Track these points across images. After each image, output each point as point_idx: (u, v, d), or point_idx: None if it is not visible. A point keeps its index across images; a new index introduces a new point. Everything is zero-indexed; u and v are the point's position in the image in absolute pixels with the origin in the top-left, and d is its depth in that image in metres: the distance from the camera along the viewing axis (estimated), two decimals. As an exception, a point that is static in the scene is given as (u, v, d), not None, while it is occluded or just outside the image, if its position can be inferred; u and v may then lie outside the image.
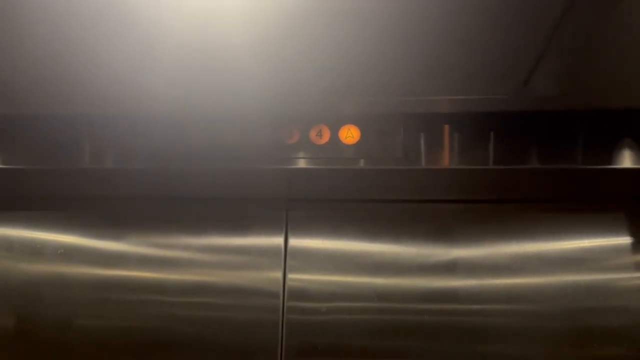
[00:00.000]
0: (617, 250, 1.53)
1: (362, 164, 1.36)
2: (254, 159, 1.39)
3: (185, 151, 1.41)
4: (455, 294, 1.52)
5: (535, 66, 1.09)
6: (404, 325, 1.51)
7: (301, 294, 1.56)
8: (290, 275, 1.57)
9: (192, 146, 1.41)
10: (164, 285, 1.60)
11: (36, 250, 1.66)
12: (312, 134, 1.37)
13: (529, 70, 1.11)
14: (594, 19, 0.95)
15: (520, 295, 1.51)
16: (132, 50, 1.11)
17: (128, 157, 1.43)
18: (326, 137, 1.36)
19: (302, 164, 1.37)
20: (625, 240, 1.53)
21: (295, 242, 1.60)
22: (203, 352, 1.55)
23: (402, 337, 1.51)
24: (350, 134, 1.35)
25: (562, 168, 1.33)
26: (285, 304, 1.55)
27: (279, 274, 1.57)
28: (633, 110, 1.31)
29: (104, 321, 1.59)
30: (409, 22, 1.02)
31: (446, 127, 1.34)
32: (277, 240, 1.60)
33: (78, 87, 1.24)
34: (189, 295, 1.58)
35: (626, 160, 1.32)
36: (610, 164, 1.33)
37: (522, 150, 1.34)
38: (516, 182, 1.45)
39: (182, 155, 1.41)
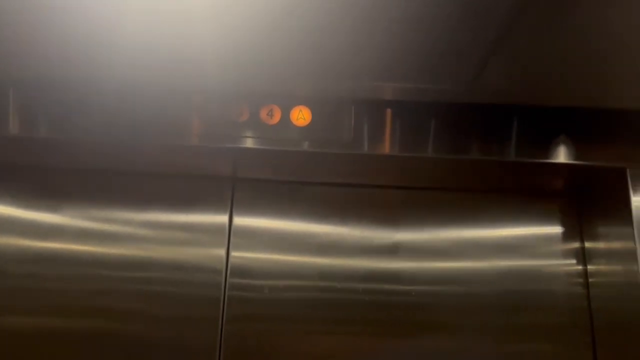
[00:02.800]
0: (548, 238, 1.61)
1: (311, 146, 1.35)
2: (201, 136, 1.36)
3: (130, 124, 1.36)
4: (396, 276, 1.56)
5: (487, 59, 1.11)
6: (345, 304, 1.54)
7: (244, 271, 1.55)
8: (233, 253, 1.56)
9: (137, 119, 1.36)
10: (104, 259, 1.55)
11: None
12: (263, 114, 1.35)
13: (479, 66, 1.13)
14: (546, 21, 0.97)
15: (458, 278, 1.57)
16: (76, 14, 1.04)
17: (65, 126, 1.36)
18: (277, 117, 1.34)
19: (250, 143, 1.35)
20: (556, 229, 1.62)
21: (240, 220, 1.59)
22: (143, 327, 1.51)
23: (343, 317, 1.53)
24: (301, 116, 1.34)
25: (501, 160, 1.38)
26: (227, 280, 1.54)
27: (222, 251, 1.56)
28: (571, 109, 1.38)
29: (36, 295, 1.52)
30: (365, 7, 1.01)
31: (396, 115, 1.36)
32: (222, 218, 1.58)
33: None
34: (129, 270, 1.55)
35: (560, 156, 1.38)
36: (545, 158, 1.39)
37: (465, 141, 1.38)
38: (458, 172, 1.49)
39: (127, 128, 1.36)
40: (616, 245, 1.45)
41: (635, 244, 1.33)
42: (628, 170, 1.37)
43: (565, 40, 1.04)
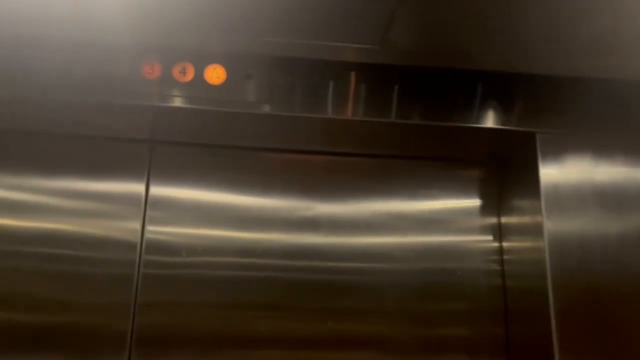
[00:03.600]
0: (467, 212, 1.63)
1: (226, 106, 1.33)
2: (111, 92, 1.31)
3: (35, 79, 1.29)
4: (317, 251, 1.53)
5: (390, 20, 1.12)
6: (265, 283, 1.50)
7: (160, 247, 1.49)
8: (149, 227, 1.50)
9: (43, 74, 1.30)
10: (9, 232, 1.45)
11: None
12: (175, 71, 1.32)
13: (386, 25, 1.14)
14: None
15: (378, 254, 1.56)
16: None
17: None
18: (190, 75, 1.32)
19: (163, 100, 1.32)
20: (475, 202, 1.64)
21: (157, 190, 1.53)
22: (48, 308, 1.43)
23: (262, 297, 1.49)
24: (215, 74, 1.32)
25: (420, 124, 1.40)
26: (142, 257, 1.48)
27: (137, 225, 1.49)
28: (494, 73, 1.41)
29: None
30: None
31: (310, 74, 1.35)
32: (138, 187, 1.52)
33: None
34: (32, 245, 1.45)
35: (474, 119, 1.41)
36: (467, 122, 1.40)
37: (381, 104, 1.38)
38: (378, 135, 1.48)
39: (31, 84, 1.29)
40: (526, 220, 1.47)
41: (542, 218, 1.36)
42: (537, 135, 1.40)
43: None
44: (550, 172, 1.38)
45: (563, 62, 1.36)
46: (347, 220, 1.57)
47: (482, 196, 1.65)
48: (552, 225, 1.35)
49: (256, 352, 1.47)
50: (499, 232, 1.61)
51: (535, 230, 1.39)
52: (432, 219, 1.61)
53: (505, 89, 1.43)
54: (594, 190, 1.38)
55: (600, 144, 1.41)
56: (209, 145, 1.55)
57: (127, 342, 1.42)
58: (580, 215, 1.36)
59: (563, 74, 1.41)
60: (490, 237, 1.61)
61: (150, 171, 1.53)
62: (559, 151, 1.40)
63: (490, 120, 1.41)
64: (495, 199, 1.63)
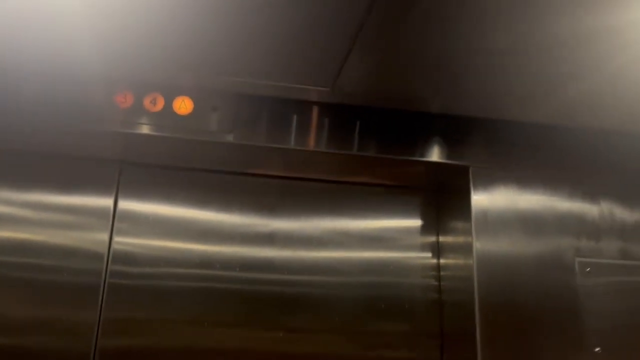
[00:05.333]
0: (409, 231, 1.79)
1: (192, 134, 1.45)
2: (87, 120, 1.42)
3: (16, 106, 1.39)
4: (271, 264, 1.66)
5: (343, 64, 1.27)
6: (223, 294, 1.61)
7: (126, 257, 1.59)
8: (116, 238, 1.60)
9: (24, 102, 1.40)
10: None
11: None
12: (146, 101, 1.44)
13: (339, 67, 1.29)
14: (394, 23, 1.13)
15: (328, 268, 1.70)
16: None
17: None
18: (160, 105, 1.44)
19: (134, 128, 1.43)
20: (416, 222, 1.81)
21: (125, 204, 1.64)
22: (14, 315, 1.50)
23: (222, 304, 1.60)
24: (183, 105, 1.45)
25: (367, 155, 1.55)
26: (109, 267, 1.57)
27: (105, 236, 1.59)
28: (435, 115, 1.59)
29: None
30: (230, 13, 1.13)
31: (271, 110, 1.49)
32: (107, 202, 1.62)
33: None
34: (7, 254, 1.54)
35: (417, 154, 1.58)
36: (411, 156, 1.57)
37: (340, 138, 1.54)
38: (333, 164, 1.64)
39: (14, 110, 1.39)
40: (460, 239, 1.65)
41: (472, 238, 1.53)
42: (471, 168, 1.59)
43: (414, 44, 1.20)
44: (481, 199, 1.57)
45: (494, 107, 1.55)
46: (300, 236, 1.71)
47: (423, 217, 1.82)
48: (481, 245, 1.53)
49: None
50: (438, 250, 1.78)
51: (467, 249, 1.56)
52: (377, 237, 1.76)
53: (445, 128, 1.61)
54: (517, 216, 1.56)
55: (524, 177, 1.60)
56: (175, 167, 1.68)
57: (93, 346, 1.51)
58: (505, 237, 1.54)
59: (495, 117, 1.61)
60: (429, 254, 1.77)
61: (119, 188, 1.64)
62: (488, 182, 1.58)
63: (431, 155, 1.59)
64: (435, 220, 1.81)
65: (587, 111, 1.54)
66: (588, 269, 1.55)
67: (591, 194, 1.61)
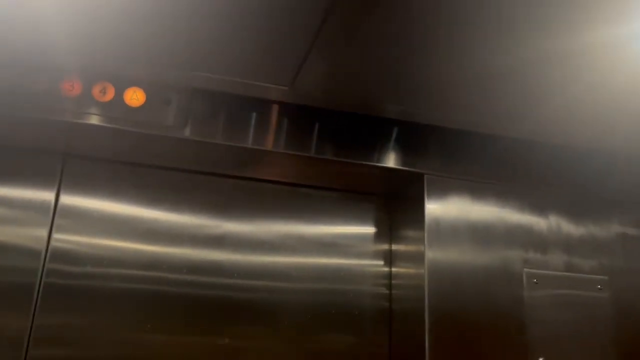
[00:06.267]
0: (363, 238, 1.78)
1: (143, 127, 1.39)
2: (29, 107, 1.34)
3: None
4: (221, 268, 1.61)
5: (303, 63, 1.25)
6: (170, 295, 1.55)
7: (66, 256, 1.51)
8: (56, 235, 1.52)
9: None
10: None
11: None
12: (95, 91, 1.37)
13: (298, 66, 1.27)
14: (353, 26, 1.12)
15: (278, 273, 1.66)
16: None
17: None
18: (110, 95, 1.38)
19: (81, 118, 1.36)
20: (370, 230, 1.80)
21: (68, 199, 1.55)
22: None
23: (167, 308, 1.54)
24: (135, 97, 1.39)
25: (327, 159, 1.53)
26: (46, 265, 1.48)
27: (44, 232, 1.51)
28: (393, 120, 1.59)
29: None
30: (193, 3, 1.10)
31: (227, 107, 1.45)
32: (48, 196, 1.53)
33: None
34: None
35: (382, 160, 1.57)
36: (367, 160, 1.56)
37: (298, 139, 1.51)
38: (286, 166, 1.61)
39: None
40: (412, 248, 1.65)
41: (424, 247, 1.53)
42: (425, 176, 1.59)
43: (374, 49, 1.20)
44: (434, 208, 1.57)
45: (451, 116, 1.57)
46: (252, 239, 1.67)
47: (377, 225, 1.81)
48: (432, 254, 1.53)
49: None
50: (390, 258, 1.77)
51: (418, 258, 1.56)
52: (330, 243, 1.74)
53: (402, 135, 1.61)
54: (469, 227, 1.58)
55: (477, 188, 1.62)
56: (123, 162, 1.61)
57: (23, 349, 1.41)
58: (456, 247, 1.55)
59: (451, 127, 1.62)
60: (381, 262, 1.77)
61: (62, 181, 1.56)
62: (442, 191, 1.59)
63: (387, 160, 1.58)
64: (388, 228, 1.80)
65: (544, 126, 1.58)
66: (535, 280, 1.58)
67: (540, 207, 1.65)
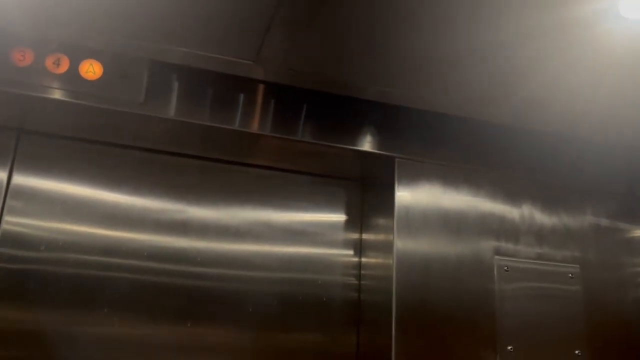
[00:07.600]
0: (332, 227, 1.72)
1: (99, 102, 1.32)
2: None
3: None
4: (185, 255, 1.54)
5: (266, 34, 1.20)
6: (128, 283, 1.48)
7: (17, 239, 1.43)
8: (7, 217, 1.43)
9: None
10: None
11: None
12: (49, 62, 1.30)
13: (261, 37, 1.22)
14: None
15: (243, 260, 1.60)
16: None
17: None
18: (64, 67, 1.30)
19: (32, 90, 1.28)
20: (341, 217, 1.74)
21: (21, 179, 1.47)
22: None
23: (125, 296, 1.47)
24: (91, 69, 1.32)
25: (295, 139, 1.47)
26: None
27: (-6, 215, 1.42)
28: (364, 101, 1.53)
29: None
30: None
31: (188, 80, 1.39)
32: (0, 174, 1.45)
33: None
34: None
35: (354, 142, 1.52)
36: (338, 143, 1.51)
37: (263, 117, 1.45)
38: (252, 146, 1.54)
39: None
40: (381, 237, 1.60)
41: (393, 237, 1.49)
42: (396, 159, 1.54)
43: (341, 24, 1.15)
44: (404, 195, 1.53)
45: (426, 98, 1.52)
46: (217, 225, 1.60)
47: (348, 212, 1.76)
48: (402, 244, 1.49)
49: (111, 355, 1.44)
50: (360, 247, 1.72)
51: (387, 248, 1.52)
52: (298, 230, 1.68)
53: (375, 116, 1.56)
54: (439, 215, 1.54)
55: (449, 174, 1.58)
56: (80, 139, 1.53)
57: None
58: (426, 236, 1.51)
59: (425, 109, 1.58)
60: (351, 252, 1.72)
61: (15, 159, 1.48)
62: (413, 176, 1.55)
63: (359, 143, 1.53)
64: (359, 216, 1.75)
65: (520, 109, 1.55)
66: (506, 268, 1.54)
67: (513, 195, 1.62)
